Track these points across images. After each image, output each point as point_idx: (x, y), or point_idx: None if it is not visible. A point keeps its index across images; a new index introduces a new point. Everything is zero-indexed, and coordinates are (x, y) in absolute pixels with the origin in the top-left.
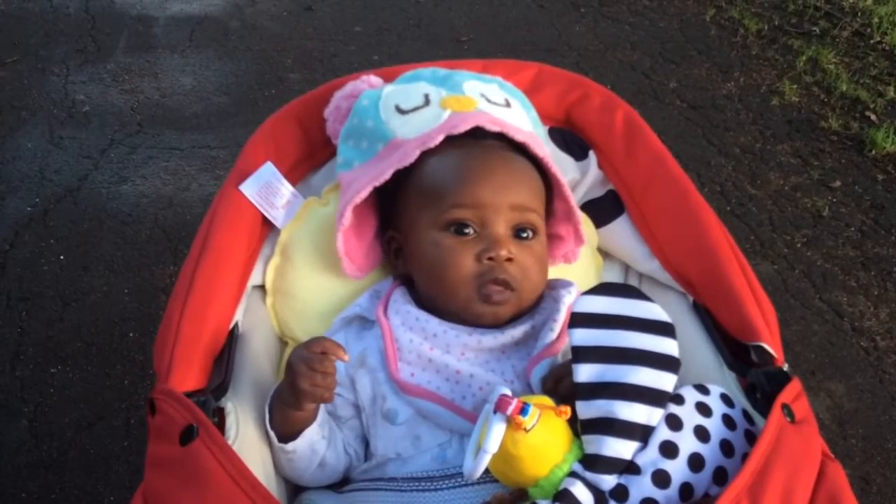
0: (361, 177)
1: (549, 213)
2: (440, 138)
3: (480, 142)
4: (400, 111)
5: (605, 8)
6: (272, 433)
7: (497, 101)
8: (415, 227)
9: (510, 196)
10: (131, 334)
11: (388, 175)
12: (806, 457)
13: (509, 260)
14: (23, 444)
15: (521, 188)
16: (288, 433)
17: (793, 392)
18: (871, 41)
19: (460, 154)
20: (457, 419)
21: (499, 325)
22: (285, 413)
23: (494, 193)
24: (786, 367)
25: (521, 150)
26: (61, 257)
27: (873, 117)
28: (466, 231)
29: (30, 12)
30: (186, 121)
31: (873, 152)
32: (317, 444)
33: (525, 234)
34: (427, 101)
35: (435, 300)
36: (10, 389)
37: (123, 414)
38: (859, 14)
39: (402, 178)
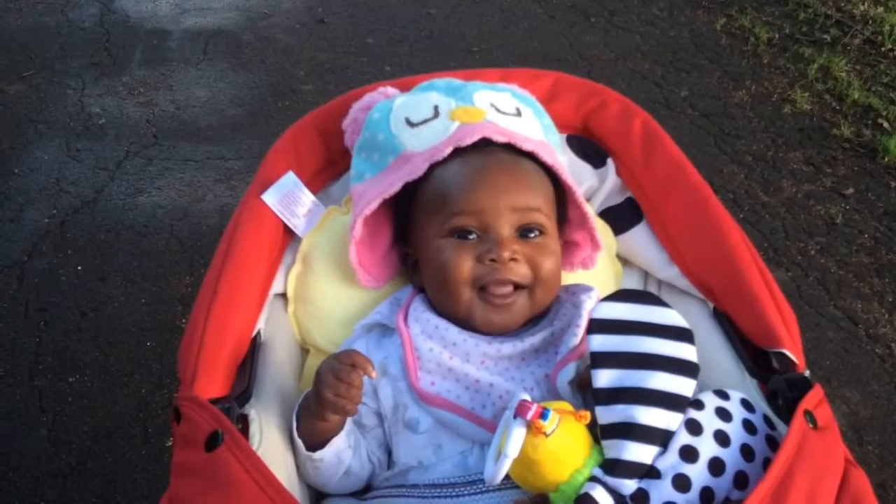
0: (372, 189)
1: (564, 220)
2: (448, 151)
3: (487, 151)
4: (410, 124)
5: (615, 18)
6: (299, 441)
7: (507, 110)
8: (423, 238)
9: (510, 199)
10: (148, 344)
11: (397, 187)
12: (829, 463)
13: (514, 260)
14: (41, 453)
15: (523, 190)
16: (315, 442)
17: (815, 398)
18: (883, 49)
19: (463, 163)
20: (477, 429)
21: (513, 330)
22: (312, 422)
23: (493, 197)
24: (807, 374)
25: (533, 158)
26: (78, 268)
27: (885, 124)
28: (469, 237)
29: (46, 26)
30: (201, 132)
31: (886, 159)
32: (343, 452)
33: (532, 234)
34: (436, 113)
35: (443, 308)
36: (28, 399)
37: (141, 423)
38: (870, 22)
39: (413, 191)
